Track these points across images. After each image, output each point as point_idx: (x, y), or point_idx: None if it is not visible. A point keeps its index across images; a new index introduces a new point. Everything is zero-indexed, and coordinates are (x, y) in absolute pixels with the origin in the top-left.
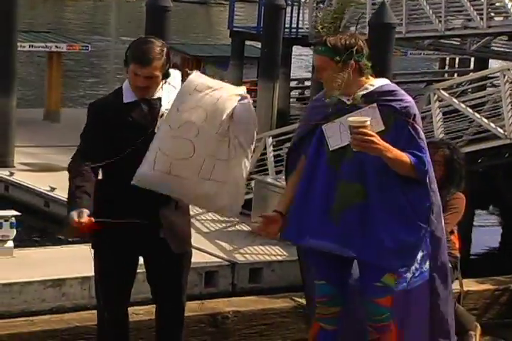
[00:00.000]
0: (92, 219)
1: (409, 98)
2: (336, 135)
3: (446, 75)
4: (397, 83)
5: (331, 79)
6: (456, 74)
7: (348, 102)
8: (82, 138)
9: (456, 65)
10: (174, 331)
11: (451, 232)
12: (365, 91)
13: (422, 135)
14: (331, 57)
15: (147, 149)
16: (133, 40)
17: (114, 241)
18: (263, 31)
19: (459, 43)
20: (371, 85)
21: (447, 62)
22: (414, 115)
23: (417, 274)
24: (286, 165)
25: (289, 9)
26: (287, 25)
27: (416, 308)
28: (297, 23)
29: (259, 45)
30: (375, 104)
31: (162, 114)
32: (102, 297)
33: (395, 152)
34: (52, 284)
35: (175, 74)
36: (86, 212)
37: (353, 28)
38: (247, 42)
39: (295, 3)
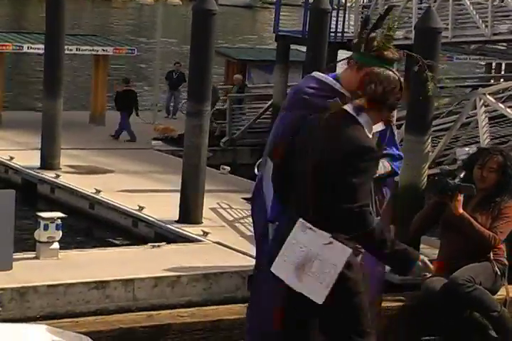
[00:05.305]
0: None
1: None
2: None
3: (492, 80)
4: (442, 87)
5: None
6: (502, 79)
7: None
8: (361, 189)
9: (503, 70)
10: None
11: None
12: None
13: None
14: None
15: None
16: None
17: None
18: (308, 35)
19: (505, 48)
20: None
21: (493, 66)
22: None
23: None
24: None
25: (334, 13)
26: (333, 30)
27: None
28: (343, 28)
29: (304, 49)
30: None
31: None
32: None
33: None
34: (96, 286)
35: None
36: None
37: (399, 33)
38: (293, 46)
39: (341, 8)
